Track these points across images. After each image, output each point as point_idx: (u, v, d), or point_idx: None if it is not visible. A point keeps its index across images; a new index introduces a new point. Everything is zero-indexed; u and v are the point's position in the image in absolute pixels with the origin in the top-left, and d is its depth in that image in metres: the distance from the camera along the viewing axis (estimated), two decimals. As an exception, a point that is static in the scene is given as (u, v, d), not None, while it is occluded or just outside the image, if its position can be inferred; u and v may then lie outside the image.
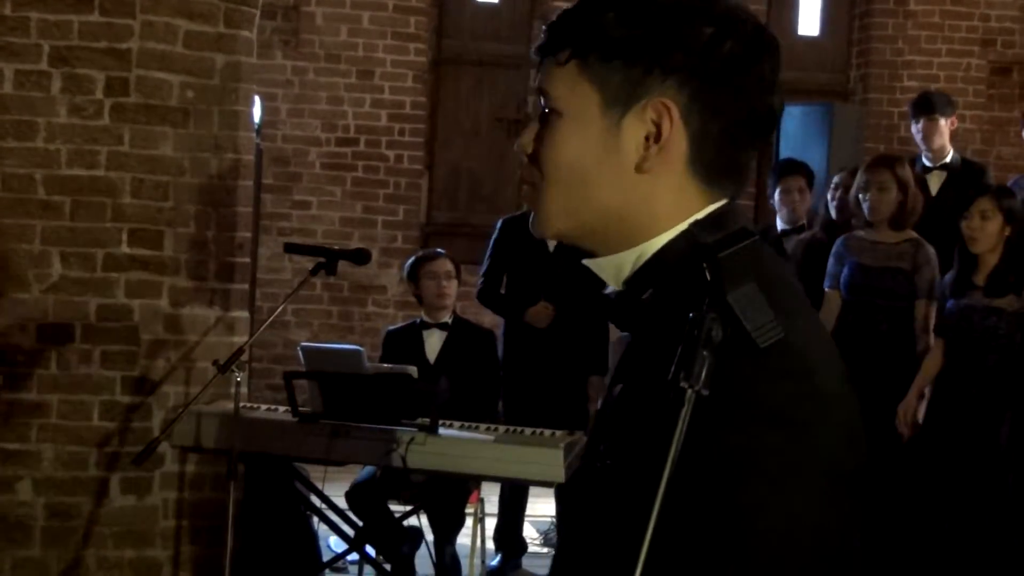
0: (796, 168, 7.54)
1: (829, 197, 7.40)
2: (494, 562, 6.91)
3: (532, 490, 6.81)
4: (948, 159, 7.65)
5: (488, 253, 7.20)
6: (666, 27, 1.56)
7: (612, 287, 1.67)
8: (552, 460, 5.05)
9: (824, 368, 1.49)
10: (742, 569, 1.39)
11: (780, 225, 7.47)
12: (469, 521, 6.06)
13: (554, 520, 7.37)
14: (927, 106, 7.66)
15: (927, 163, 7.69)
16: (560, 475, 5.08)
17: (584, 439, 5.64)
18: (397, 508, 5.99)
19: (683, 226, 1.58)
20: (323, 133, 11.00)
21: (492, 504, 6.69)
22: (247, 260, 6.00)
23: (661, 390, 1.43)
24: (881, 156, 6.87)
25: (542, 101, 1.64)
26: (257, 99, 6.88)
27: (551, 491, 6.57)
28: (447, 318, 6.35)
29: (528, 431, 5.49)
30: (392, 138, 11.09)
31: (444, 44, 11.50)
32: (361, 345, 5.94)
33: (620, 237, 1.60)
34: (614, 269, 1.63)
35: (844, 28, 11.95)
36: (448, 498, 5.91)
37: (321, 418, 5.36)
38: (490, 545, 6.89)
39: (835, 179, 7.41)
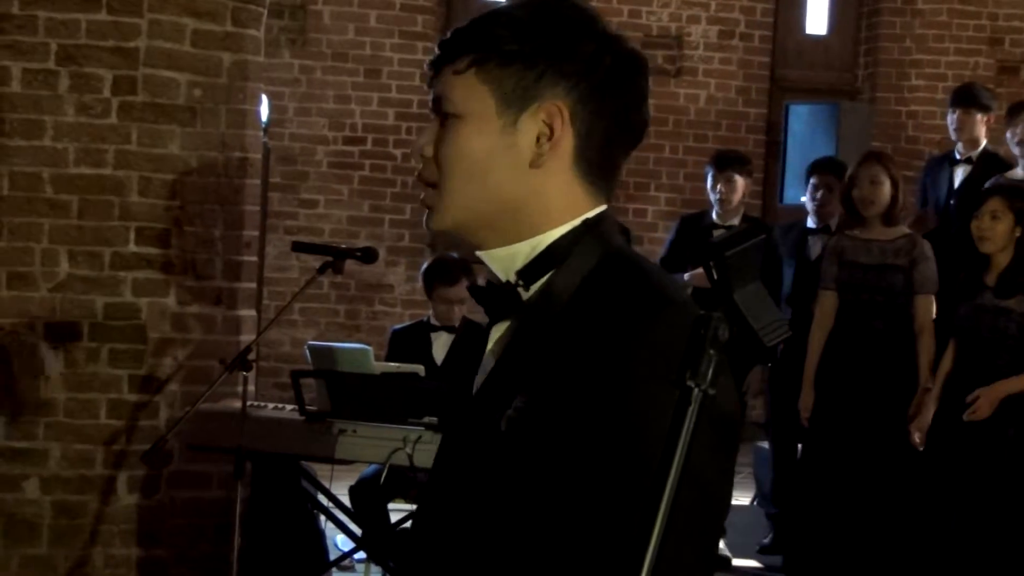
0: (824, 166, 7.54)
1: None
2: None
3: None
4: (976, 153, 7.65)
5: None
6: (556, 40, 1.76)
7: (487, 278, 1.84)
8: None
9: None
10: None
11: (810, 223, 7.48)
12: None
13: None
14: (966, 98, 7.66)
15: (957, 156, 7.70)
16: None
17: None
18: (404, 507, 5.99)
19: (576, 222, 1.76)
20: (330, 132, 11.01)
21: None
22: (254, 259, 6.00)
23: (563, 371, 1.65)
24: (872, 152, 6.87)
25: (441, 107, 1.81)
26: (264, 98, 6.89)
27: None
28: (455, 322, 6.34)
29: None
30: (399, 137, 11.09)
31: (451, 43, 11.49)
32: (368, 344, 5.94)
33: (514, 229, 1.78)
34: (507, 260, 1.79)
35: (852, 27, 11.94)
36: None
37: (328, 417, 5.36)
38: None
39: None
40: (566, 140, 1.75)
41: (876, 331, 6.28)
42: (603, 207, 1.80)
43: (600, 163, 1.79)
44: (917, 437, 6.07)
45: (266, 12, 5.93)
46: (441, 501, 1.81)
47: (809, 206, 7.48)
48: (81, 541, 5.60)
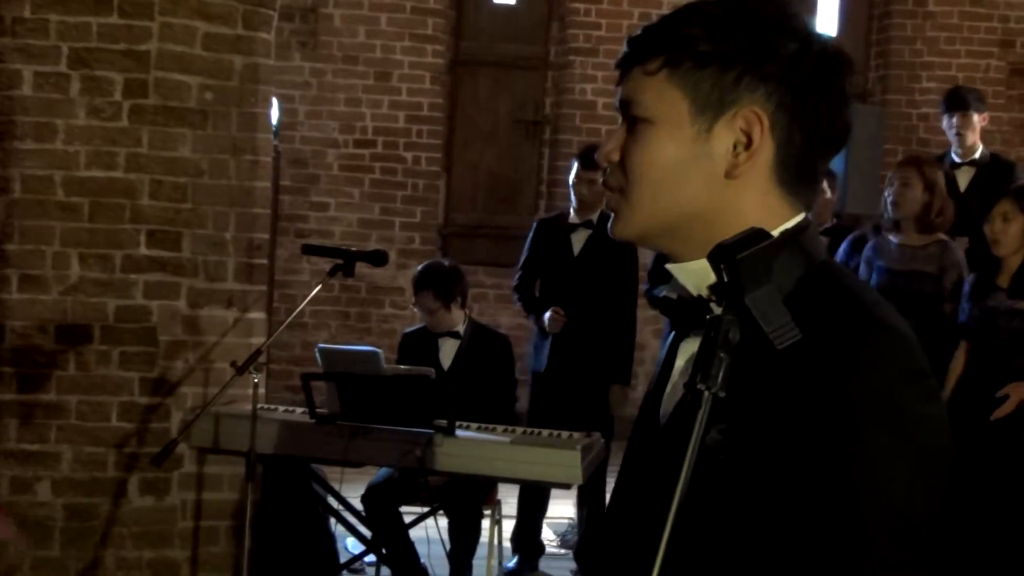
0: None
1: (886, 194, 7.41)
2: (511, 564, 6.91)
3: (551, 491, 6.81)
4: (977, 155, 7.64)
5: (523, 254, 7.26)
6: (756, 39, 1.64)
7: (670, 289, 1.72)
8: (569, 461, 5.05)
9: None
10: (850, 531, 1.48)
11: None
12: (486, 523, 6.06)
13: (572, 521, 7.37)
14: (961, 102, 7.65)
15: (956, 159, 7.68)
16: (578, 476, 5.08)
17: (601, 440, 5.64)
18: (415, 510, 5.99)
19: (774, 234, 1.59)
20: (341, 135, 11.02)
21: (509, 506, 6.68)
22: (265, 261, 6.01)
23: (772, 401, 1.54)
24: (912, 155, 6.84)
25: (629, 110, 1.69)
26: (275, 101, 6.89)
27: (568, 492, 6.56)
28: (459, 327, 6.34)
29: (546, 433, 5.48)
30: (410, 140, 11.09)
31: (462, 46, 11.51)
32: (378, 347, 5.95)
33: (706, 241, 1.60)
34: (699, 274, 1.65)
35: (863, 29, 11.92)
36: (465, 500, 5.91)
37: (339, 419, 5.37)
38: (507, 546, 6.88)
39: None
40: (765, 149, 1.64)
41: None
42: (802, 216, 1.68)
43: (800, 172, 1.67)
44: None
45: (277, 15, 5.94)
46: (631, 520, 1.71)
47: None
48: (93, 543, 5.61)
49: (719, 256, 1.49)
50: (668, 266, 1.71)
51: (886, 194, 6.35)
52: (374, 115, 11.05)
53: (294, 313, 5.52)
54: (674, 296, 1.71)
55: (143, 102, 5.56)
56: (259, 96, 5.81)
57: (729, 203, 1.65)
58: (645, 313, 9.29)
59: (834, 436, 1.50)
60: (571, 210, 7.14)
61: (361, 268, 5.55)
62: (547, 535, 7.39)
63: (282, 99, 10.29)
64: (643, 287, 7.21)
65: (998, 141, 10.80)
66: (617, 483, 1.81)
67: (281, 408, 5.85)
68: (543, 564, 7.08)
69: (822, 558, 1.49)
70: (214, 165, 5.69)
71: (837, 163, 7.96)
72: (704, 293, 1.64)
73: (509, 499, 6.63)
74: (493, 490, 6.05)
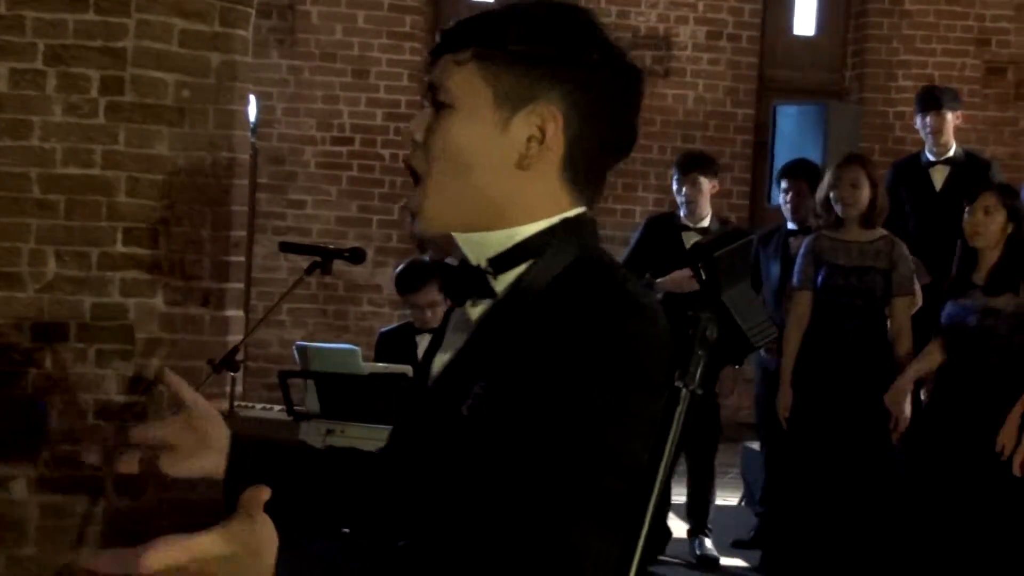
0: (793, 170, 7.56)
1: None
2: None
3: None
4: (952, 153, 7.66)
5: None
6: (563, 44, 1.77)
7: (452, 258, 1.85)
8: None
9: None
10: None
11: (790, 225, 7.50)
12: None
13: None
14: (934, 101, 7.66)
15: (931, 158, 7.69)
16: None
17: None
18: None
19: (554, 220, 1.78)
20: (318, 132, 11.00)
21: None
22: (242, 259, 6.00)
23: (526, 356, 1.67)
24: (852, 154, 6.87)
25: (436, 95, 1.81)
26: (253, 98, 6.88)
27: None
28: (435, 324, 6.33)
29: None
30: (387, 137, 11.08)
31: (439, 43, 11.49)
32: (356, 344, 5.94)
33: (491, 222, 1.79)
34: (480, 246, 1.80)
35: (840, 27, 11.96)
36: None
37: (316, 417, 5.36)
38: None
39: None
40: (556, 145, 1.77)
41: (849, 332, 6.28)
42: (583, 209, 1.82)
43: (587, 170, 1.81)
44: (897, 411, 6.08)
45: (254, 12, 5.93)
46: (397, 477, 1.85)
47: (784, 210, 7.50)
48: (68, 542, 5.59)
49: (697, 254, 1.52)
50: (453, 234, 1.82)
51: (830, 195, 6.37)
52: (352, 112, 11.04)
53: (271, 310, 5.51)
54: (454, 263, 1.83)
55: (120, 99, 5.55)
56: (236, 93, 5.80)
57: (518, 191, 1.77)
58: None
59: (573, 393, 1.62)
60: None
61: (339, 266, 5.54)
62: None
63: (259, 96, 10.28)
64: None
65: (974, 139, 10.85)
66: (389, 437, 1.98)
67: (258, 406, 5.84)
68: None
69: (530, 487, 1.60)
70: (191, 163, 5.68)
71: (814, 161, 7.97)
72: (483, 264, 1.78)
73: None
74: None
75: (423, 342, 6.31)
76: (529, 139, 1.76)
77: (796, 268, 6.49)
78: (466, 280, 1.80)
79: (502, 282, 1.79)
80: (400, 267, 6.48)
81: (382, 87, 11.10)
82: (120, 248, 5.59)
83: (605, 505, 1.59)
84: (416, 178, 1.84)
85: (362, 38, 11.04)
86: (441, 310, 6.30)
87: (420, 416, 1.85)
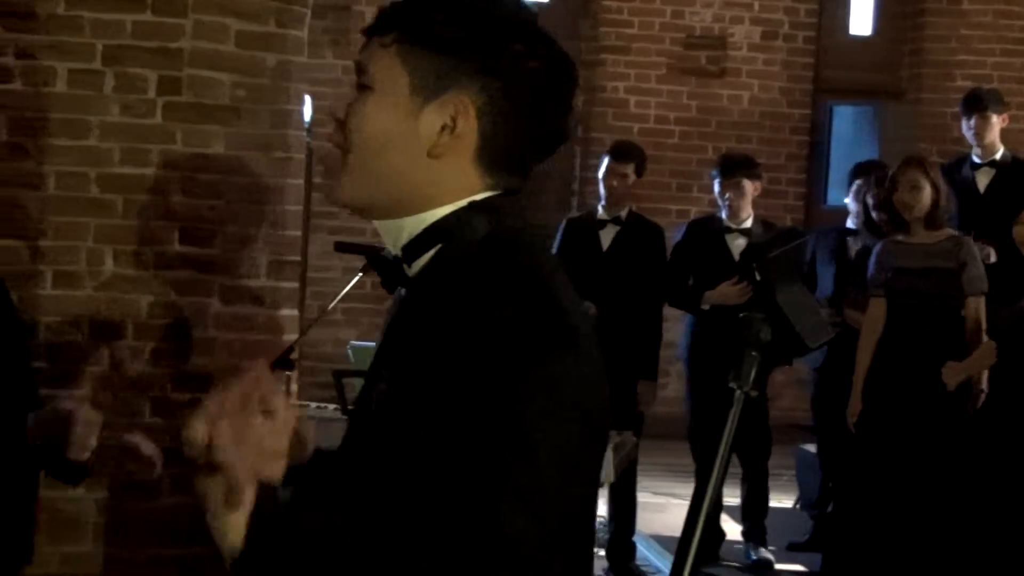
0: (869, 168, 7.54)
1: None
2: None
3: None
4: (998, 156, 7.61)
5: (554, 248, 7.26)
6: (485, 34, 1.75)
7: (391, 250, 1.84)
8: (600, 460, 5.04)
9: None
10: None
11: (849, 224, 7.47)
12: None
13: (603, 519, 7.36)
14: (978, 103, 7.62)
15: (976, 160, 7.64)
16: (609, 474, 5.07)
17: (633, 438, 5.64)
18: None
19: (461, 203, 1.76)
20: (372, 132, 11.02)
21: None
22: (297, 258, 6.02)
23: (427, 347, 1.65)
24: (911, 156, 6.83)
25: (359, 75, 1.82)
26: (307, 98, 6.89)
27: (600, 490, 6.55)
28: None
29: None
30: (441, 137, 11.08)
31: (494, 43, 11.50)
32: (410, 344, 5.93)
33: (404, 208, 1.78)
34: (394, 233, 1.81)
35: (896, 27, 11.87)
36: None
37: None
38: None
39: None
40: (469, 136, 1.75)
41: (926, 335, 6.22)
42: (494, 193, 1.79)
43: (504, 162, 1.79)
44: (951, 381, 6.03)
45: (309, 13, 5.95)
46: (333, 469, 1.87)
47: (852, 208, 7.46)
48: (123, 539, 5.63)
49: (751, 255, 1.51)
50: (374, 222, 1.85)
51: (893, 197, 6.32)
52: (406, 113, 11.04)
53: (325, 310, 5.53)
54: (389, 256, 1.83)
55: (176, 99, 5.58)
56: (291, 93, 5.82)
57: (430, 178, 1.76)
58: (675, 311, 9.27)
59: (469, 374, 1.60)
60: (599, 206, 7.14)
61: (392, 265, 5.54)
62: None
63: (314, 96, 10.30)
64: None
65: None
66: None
67: (313, 405, 5.86)
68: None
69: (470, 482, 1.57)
70: (246, 162, 5.70)
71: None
72: (399, 253, 1.79)
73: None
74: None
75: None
76: (442, 128, 1.75)
77: (868, 274, 6.45)
78: (389, 269, 1.81)
79: (416, 268, 1.79)
80: None
81: (436, 87, 11.10)
82: (176, 247, 5.63)
83: (522, 487, 1.57)
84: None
85: (416, 38, 11.05)
86: None
87: (354, 411, 1.89)
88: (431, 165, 1.76)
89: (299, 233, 6.07)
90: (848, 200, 7.53)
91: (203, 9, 5.59)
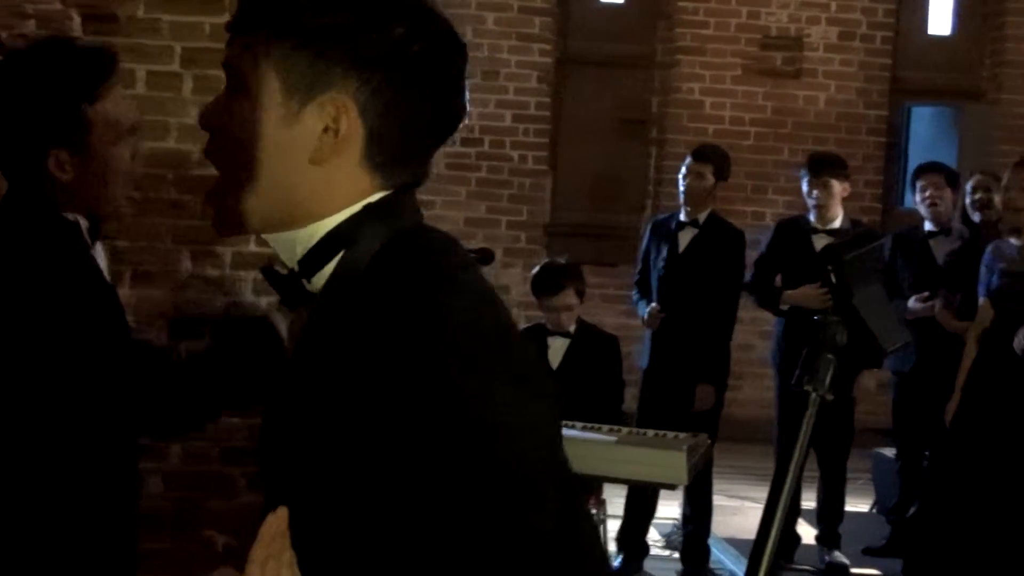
0: (932, 168, 7.47)
1: (968, 201, 7.30)
2: (615, 563, 6.90)
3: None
4: None
5: (641, 249, 7.32)
6: (358, 22, 1.58)
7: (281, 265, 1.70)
8: (674, 462, 5.02)
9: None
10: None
11: (928, 227, 7.40)
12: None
13: (677, 522, 7.34)
14: None
15: None
16: (683, 477, 5.05)
17: (707, 441, 5.61)
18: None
19: (355, 208, 1.61)
20: (448, 134, 11.06)
21: (614, 506, 6.67)
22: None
23: (330, 364, 1.53)
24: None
25: (228, 76, 1.65)
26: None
27: (675, 493, 6.54)
28: (571, 327, 6.33)
29: (651, 433, 5.46)
30: (516, 138, 11.11)
31: (568, 44, 11.51)
32: (484, 345, 5.94)
33: (294, 219, 1.62)
34: (289, 247, 1.65)
35: (976, 27, 11.75)
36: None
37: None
38: (611, 546, 6.87)
39: (972, 181, 7.32)
40: (354, 136, 1.60)
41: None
42: (388, 192, 1.64)
43: (397, 156, 1.63)
44: None
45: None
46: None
47: (922, 210, 7.40)
48: (201, 537, 5.68)
49: (827, 257, 1.49)
50: (265, 236, 1.69)
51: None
52: (481, 114, 11.07)
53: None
54: (283, 271, 1.69)
55: (253, 101, 5.62)
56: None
57: (317, 184, 1.61)
58: (752, 313, 9.23)
59: (384, 380, 1.48)
60: (682, 208, 7.14)
61: (467, 267, 5.56)
62: (652, 536, 7.36)
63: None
64: (746, 277, 7.22)
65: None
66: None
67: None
68: (647, 565, 7.06)
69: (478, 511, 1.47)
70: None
71: (948, 164, 7.86)
72: (295, 267, 1.64)
73: (614, 499, 6.62)
74: (598, 489, 6.04)
75: (555, 344, 6.32)
76: (324, 131, 1.59)
77: (979, 276, 6.38)
78: (288, 286, 1.67)
79: (318, 282, 1.64)
80: (536, 269, 6.50)
81: (511, 89, 11.13)
82: (253, 248, 5.67)
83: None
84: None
85: (491, 40, 11.08)
86: (576, 313, 6.31)
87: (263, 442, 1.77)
88: (316, 172, 1.60)
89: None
90: (917, 202, 7.46)
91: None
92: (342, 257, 1.62)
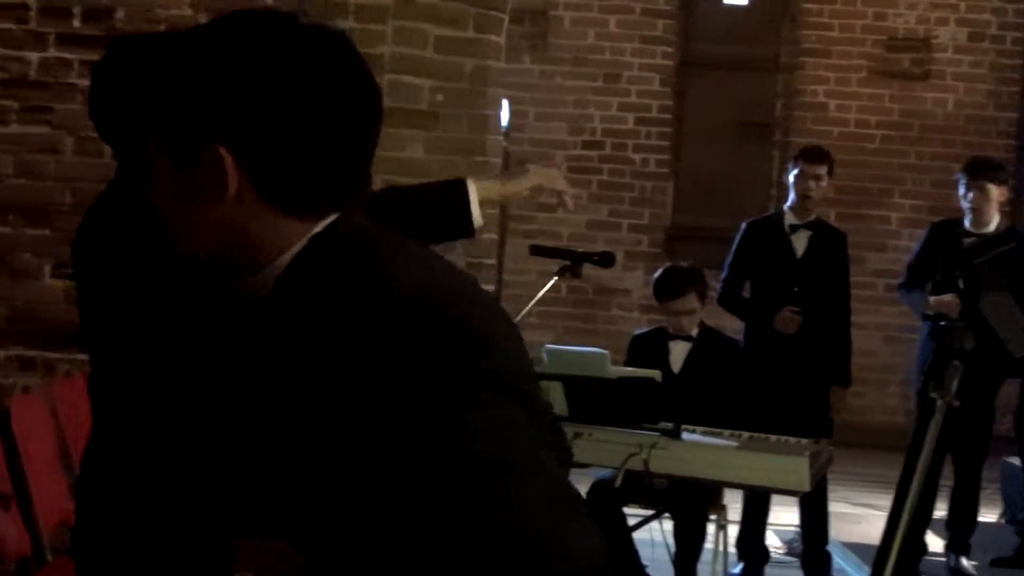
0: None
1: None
2: (736, 570, 6.84)
3: (774, 498, 6.73)
4: None
5: (730, 256, 7.15)
6: (212, 91, 1.55)
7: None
8: (797, 468, 4.97)
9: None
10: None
11: None
12: (711, 527, 6.01)
13: (798, 528, 7.27)
14: None
15: None
16: (805, 484, 5.00)
17: (829, 447, 5.55)
18: (640, 512, 5.98)
19: (303, 242, 1.57)
20: (569, 136, 11.07)
21: (735, 511, 6.62)
22: (493, 261, 6.06)
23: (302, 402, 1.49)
24: None
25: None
26: (504, 102, 6.95)
27: (794, 499, 6.47)
28: (693, 331, 6.30)
29: (773, 438, 5.41)
30: (638, 141, 11.09)
31: (691, 47, 11.45)
32: (604, 348, 5.94)
33: (243, 269, 1.60)
34: (255, 288, 1.61)
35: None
36: (691, 503, 5.88)
37: (564, 420, 5.38)
38: (732, 552, 6.82)
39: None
40: (241, 185, 1.56)
41: None
42: (327, 220, 1.60)
43: (302, 191, 1.59)
44: None
45: (507, 18, 5.99)
46: None
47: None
48: None
49: (955, 261, 1.46)
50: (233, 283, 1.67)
51: None
52: (603, 117, 11.07)
53: (521, 313, 5.56)
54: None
55: (377, 104, 5.67)
56: (489, 98, 5.87)
57: (237, 240, 1.58)
58: (876, 319, 9.12)
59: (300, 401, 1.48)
60: (786, 210, 7.03)
61: (588, 269, 5.55)
62: (773, 542, 7.29)
63: (511, 101, 10.38)
64: (898, 279, 7.12)
65: None
66: None
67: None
68: (769, 571, 7.00)
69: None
70: (444, 166, 5.76)
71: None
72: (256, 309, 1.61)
73: (735, 504, 6.57)
74: (719, 494, 6.00)
75: (676, 348, 6.29)
76: (215, 190, 1.56)
77: None
78: (261, 327, 1.63)
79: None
80: (659, 272, 6.47)
81: (633, 91, 11.10)
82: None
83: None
84: None
85: (613, 42, 11.07)
86: (698, 317, 6.28)
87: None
88: (229, 228, 1.58)
89: (495, 236, 6.11)
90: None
91: (403, 16, 5.67)
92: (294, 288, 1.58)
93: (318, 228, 1.59)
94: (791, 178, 7.02)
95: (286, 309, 1.56)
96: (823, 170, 6.96)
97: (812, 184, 6.91)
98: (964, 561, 7.11)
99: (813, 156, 7.03)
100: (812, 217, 6.97)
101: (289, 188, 1.57)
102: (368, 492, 1.48)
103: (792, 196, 7.00)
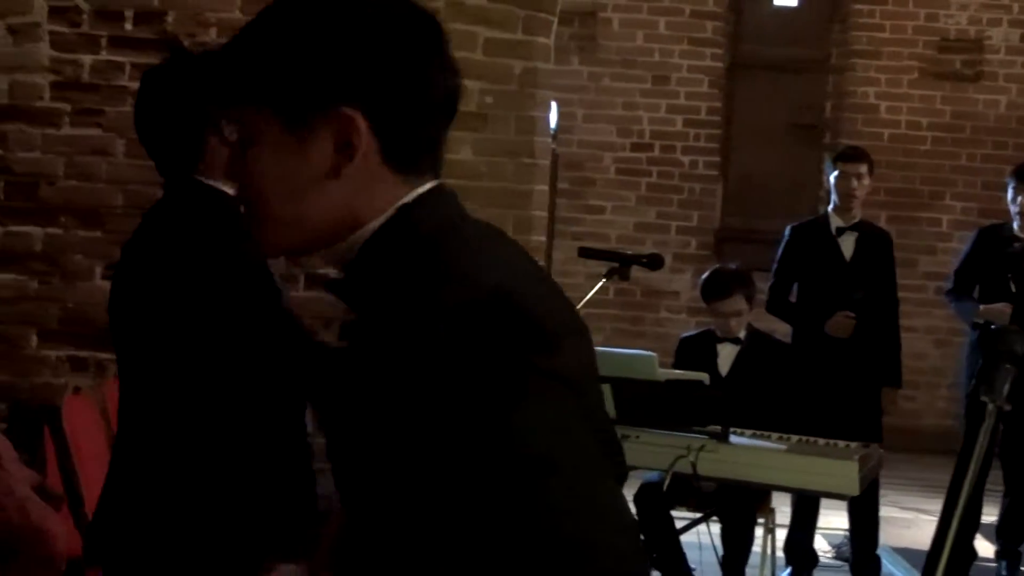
0: None
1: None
2: (784, 574, 6.82)
3: (824, 501, 6.70)
4: None
5: (777, 261, 7.11)
6: (334, 39, 1.62)
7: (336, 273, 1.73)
8: (846, 472, 4.95)
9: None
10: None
11: None
12: (759, 530, 5.99)
13: (847, 533, 7.23)
14: None
15: None
16: (854, 487, 4.98)
17: (879, 451, 5.52)
18: (688, 515, 5.97)
19: (391, 211, 1.64)
20: (618, 138, 11.06)
21: (783, 515, 6.59)
22: (541, 264, 6.06)
23: (378, 364, 1.56)
24: None
25: (238, 133, 1.72)
26: (553, 104, 6.95)
27: (843, 503, 6.44)
28: (740, 333, 6.28)
29: (821, 442, 5.39)
30: (687, 143, 11.07)
31: (740, 48, 11.42)
32: (652, 350, 5.94)
33: (334, 234, 1.66)
34: (334, 259, 1.69)
35: None
36: (739, 507, 5.86)
37: (612, 423, 5.37)
38: (780, 555, 6.79)
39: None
40: (367, 143, 1.63)
41: None
42: (420, 189, 1.67)
43: (413, 151, 1.67)
44: None
45: (556, 20, 5.99)
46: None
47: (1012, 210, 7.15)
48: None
49: (1007, 264, 1.46)
50: (319, 255, 1.73)
51: None
52: (651, 119, 11.06)
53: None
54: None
55: (425, 106, 5.68)
56: (537, 100, 5.87)
57: (344, 202, 1.64)
58: (926, 322, 9.06)
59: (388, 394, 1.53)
60: (831, 213, 7.00)
61: (636, 272, 5.55)
62: (822, 546, 7.26)
63: (560, 103, 10.38)
64: (945, 284, 7.07)
65: None
66: None
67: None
68: (817, 575, 6.97)
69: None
70: (492, 168, 5.77)
71: None
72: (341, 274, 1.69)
73: (783, 507, 6.54)
74: (767, 498, 5.98)
75: (723, 350, 6.27)
76: (336, 150, 1.63)
77: None
78: (349, 290, 1.70)
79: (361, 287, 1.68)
80: (707, 274, 6.46)
81: (682, 93, 11.08)
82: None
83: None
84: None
85: (662, 44, 11.05)
86: (745, 319, 6.26)
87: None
88: (339, 188, 1.64)
89: (544, 238, 6.12)
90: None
91: (452, 17, 5.68)
92: (380, 259, 1.65)
93: (408, 198, 1.65)
94: (831, 181, 6.99)
95: (367, 283, 1.64)
96: (863, 168, 6.93)
97: (855, 183, 6.87)
98: (1017, 567, 7.05)
99: (850, 156, 7.00)
100: (857, 219, 6.94)
101: (405, 143, 1.66)
102: (414, 475, 1.53)
103: (834, 199, 6.97)
